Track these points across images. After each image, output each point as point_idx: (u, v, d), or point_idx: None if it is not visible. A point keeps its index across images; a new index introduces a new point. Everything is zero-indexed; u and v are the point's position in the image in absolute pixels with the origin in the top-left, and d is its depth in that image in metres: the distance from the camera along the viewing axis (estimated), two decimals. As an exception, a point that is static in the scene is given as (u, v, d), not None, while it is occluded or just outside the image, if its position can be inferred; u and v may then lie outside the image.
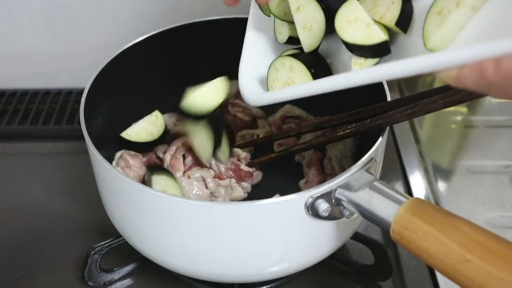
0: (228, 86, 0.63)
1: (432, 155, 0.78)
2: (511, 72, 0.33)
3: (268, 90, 0.54)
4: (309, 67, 0.50)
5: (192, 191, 0.63)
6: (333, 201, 0.48)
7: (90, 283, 0.61)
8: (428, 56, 0.37)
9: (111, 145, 0.68)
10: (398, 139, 0.81)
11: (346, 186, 0.47)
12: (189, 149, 0.67)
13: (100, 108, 0.62)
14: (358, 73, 0.43)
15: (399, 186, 0.73)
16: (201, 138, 0.64)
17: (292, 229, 0.49)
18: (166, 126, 0.71)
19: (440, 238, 0.39)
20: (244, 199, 0.66)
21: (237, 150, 0.68)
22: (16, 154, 0.83)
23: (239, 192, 0.65)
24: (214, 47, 0.74)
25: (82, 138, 0.53)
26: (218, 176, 0.66)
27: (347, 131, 0.57)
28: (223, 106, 0.77)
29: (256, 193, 0.68)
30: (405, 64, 0.38)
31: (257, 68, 0.55)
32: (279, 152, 0.67)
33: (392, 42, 0.47)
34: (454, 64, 0.35)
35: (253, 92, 0.53)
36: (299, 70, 0.51)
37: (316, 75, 0.50)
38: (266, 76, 0.54)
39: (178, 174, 0.65)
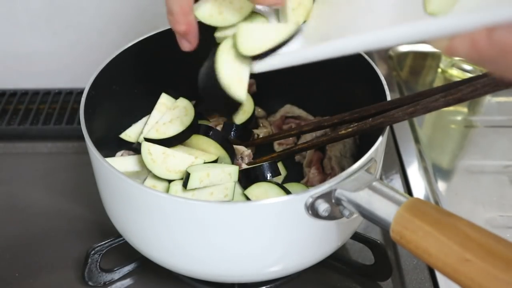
0: None
1: (432, 155, 0.78)
2: (504, 45, 0.30)
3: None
4: None
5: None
6: (333, 201, 0.48)
7: (90, 283, 0.61)
8: (414, 24, 0.35)
9: (111, 145, 0.68)
10: (398, 139, 0.81)
11: (346, 186, 0.47)
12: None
13: (100, 108, 0.62)
14: (345, 40, 0.41)
15: (399, 186, 0.73)
16: None
17: (292, 229, 0.49)
18: None
19: (440, 238, 0.39)
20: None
21: (240, 148, 0.68)
22: (16, 154, 0.83)
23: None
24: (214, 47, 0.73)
25: (82, 138, 0.53)
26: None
27: (349, 130, 0.57)
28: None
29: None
30: (393, 31, 0.36)
31: None
32: (281, 152, 0.67)
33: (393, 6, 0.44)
34: (442, 34, 0.33)
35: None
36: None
37: None
38: None
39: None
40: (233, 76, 0.50)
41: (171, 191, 0.59)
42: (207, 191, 0.59)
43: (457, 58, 0.92)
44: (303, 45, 0.49)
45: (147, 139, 0.64)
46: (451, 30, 0.33)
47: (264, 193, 0.60)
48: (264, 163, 0.64)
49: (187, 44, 0.51)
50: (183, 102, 0.68)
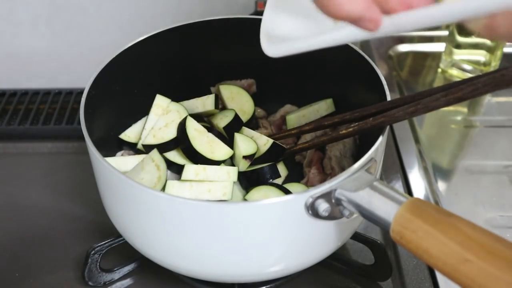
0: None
1: (432, 155, 0.78)
2: None
3: None
4: None
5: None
6: (333, 201, 0.48)
7: (90, 283, 0.61)
8: (451, 3, 0.31)
9: (111, 145, 0.68)
10: (398, 139, 0.81)
11: (346, 186, 0.47)
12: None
13: (100, 108, 0.62)
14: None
15: (399, 186, 0.73)
16: None
17: (292, 229, 0.49)
18: None
19: (440, 238, 0.39)
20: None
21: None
22: (16, 154, 0.83)
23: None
24: (214, 47, 0.74)
25: (82, 138, 0.53)
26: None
27: (350, 129, 0.57)
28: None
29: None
30: (428, 11, 0.32)
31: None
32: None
33: None
34: (482, 11, 0.30)
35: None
36: None
37: None
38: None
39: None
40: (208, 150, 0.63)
41: (167, 189, 0.59)
42: (205, 187, 0.59)
43: (457, 58, 0.92)
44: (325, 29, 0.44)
45: (145, 146, 0.66)
46: (493, 7, 0.30)
47: (264, 196, 0.60)
48: (264, 165, 0.64)
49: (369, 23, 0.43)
50: (175, 106, 0.68)
